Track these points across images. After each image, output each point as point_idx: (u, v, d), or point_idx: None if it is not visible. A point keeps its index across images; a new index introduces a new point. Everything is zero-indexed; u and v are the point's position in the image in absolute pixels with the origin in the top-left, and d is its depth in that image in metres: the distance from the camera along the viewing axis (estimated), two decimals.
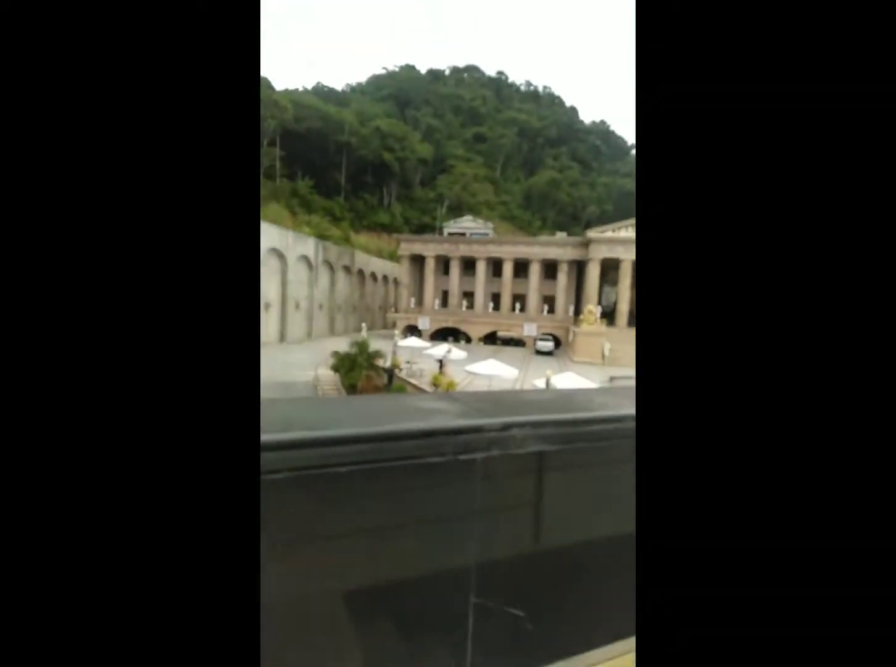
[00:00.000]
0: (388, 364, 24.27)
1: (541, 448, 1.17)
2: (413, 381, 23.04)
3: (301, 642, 1.01)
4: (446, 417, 1.22)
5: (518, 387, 21.37)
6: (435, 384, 21.57)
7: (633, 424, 0.87)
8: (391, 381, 23.47)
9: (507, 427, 1.16)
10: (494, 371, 20.51)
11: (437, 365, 23.79)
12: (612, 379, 23.47)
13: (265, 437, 0.92)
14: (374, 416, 1.30)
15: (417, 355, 25.69)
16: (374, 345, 24.57)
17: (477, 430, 1.14)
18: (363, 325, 33.39)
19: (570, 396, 1.68)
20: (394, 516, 1.10)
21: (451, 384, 21.36)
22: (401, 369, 24.64)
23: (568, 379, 19.78)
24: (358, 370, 22.93)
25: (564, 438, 1.21)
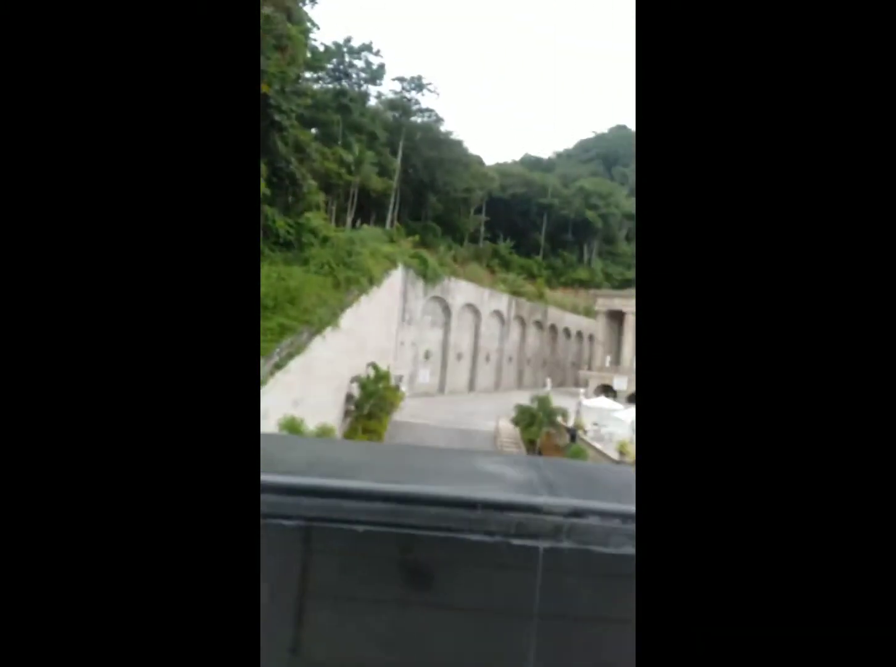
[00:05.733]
0: (571, 424, 23.32)
1: (631, 550, 0.86)
2: (598, 445, 21.62)
3: None
4: (497, 488, 0.97)
5: None
6: (622, 452, 19.92)
7: None
8: (573, 441, 22.43)
9: (579, 513, 0.89)
10: None
11: (629, 430, 22.04)
12: None
13: (269, 478, 0.82)
14: (413, 470, 1.09)
15: (607, 418, 24.15)
16: (561, 402, 23.82)
17: (533, 509, 0.89)
18: (547, 380, 32.83)
19: None
20: (419, 593, 0.90)
21: None
22: (586, 431, 23.36)
23: None
24: (537, 426, 22.35)
25: None
